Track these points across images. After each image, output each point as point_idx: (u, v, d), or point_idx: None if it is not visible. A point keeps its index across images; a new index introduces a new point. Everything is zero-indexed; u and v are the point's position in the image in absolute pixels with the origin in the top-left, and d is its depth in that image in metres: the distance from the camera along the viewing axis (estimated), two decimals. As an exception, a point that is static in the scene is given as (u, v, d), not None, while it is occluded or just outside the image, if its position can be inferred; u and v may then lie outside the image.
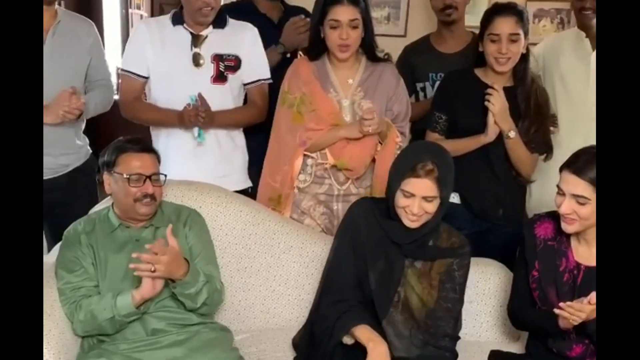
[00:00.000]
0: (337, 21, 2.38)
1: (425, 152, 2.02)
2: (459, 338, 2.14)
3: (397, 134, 2.53)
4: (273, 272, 2.43)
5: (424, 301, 2.06)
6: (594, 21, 2.98)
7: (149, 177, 2.12)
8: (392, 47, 3.18)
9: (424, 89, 3.09)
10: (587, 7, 2.97)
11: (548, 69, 3.13)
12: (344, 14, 2.38)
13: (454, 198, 2.58)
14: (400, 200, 2.00)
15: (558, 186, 1.95)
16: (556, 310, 1.84)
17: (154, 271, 1.95)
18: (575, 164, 1.92)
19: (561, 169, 1.97)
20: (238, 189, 2.69)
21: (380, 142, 2.53)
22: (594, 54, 3.04)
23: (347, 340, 2.02)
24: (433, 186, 1.97)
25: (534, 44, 3.26)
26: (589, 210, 1.89)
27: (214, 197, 2.45)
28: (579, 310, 1.81)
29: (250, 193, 2.73)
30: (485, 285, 2.39)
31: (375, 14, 3.56)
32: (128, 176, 2.10)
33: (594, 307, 1.81)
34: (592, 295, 1.80)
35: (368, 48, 2.52)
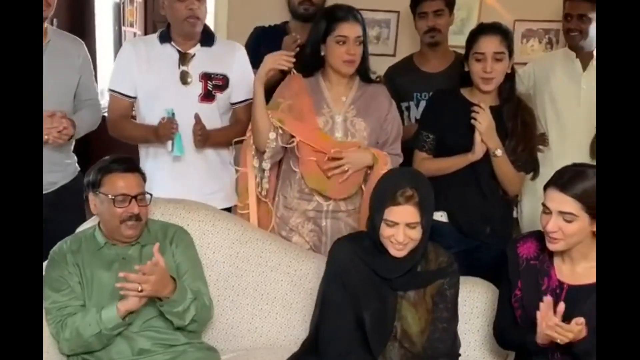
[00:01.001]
0: (345, 37, 2.42)
1: (403, 179, 2.01)
2: (459, 355, 2.13)
3: (385, 161, 2.54)
4: (260, 290, 2.43)
5: (422, 328, 2.04)
6: (582, 42, 3.03)
7: (135, 197, 2.12)
8: (381, 66, 3.23)
9: (408, 109, 3.12)
10: (573, 29, 3.01)
11: (539, 89, 3.17)
12: (351, 30, 2.43)
13: (442, 217, 2.60)
14: (385, 231, 1.99)
15: (544, 204, 1.96)
16: (546, 332, 1.83)
17: (141, 291, 1.95)
18: (560, 180, 1.93)
19: (545, 187, 1.98)
20: (226, 206, 2.70)
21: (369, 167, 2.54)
22: (584, 74, 3.08)
23: None
24: (415, 211, 1.97)
25: (522, 64, 3.30)
26: (576, 227, 1.90)
27: (202, 215, 2.46)
28: (568, 330, 1.81)
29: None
30: (473, 304, 2.39)
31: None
32: (113, 197, 2.10)
33: (581, 328, 1.81)
34: (579, 319, 1.81)
35: (363, 68, 2.55)
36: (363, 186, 2.57)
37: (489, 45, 2.47)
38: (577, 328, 1.81)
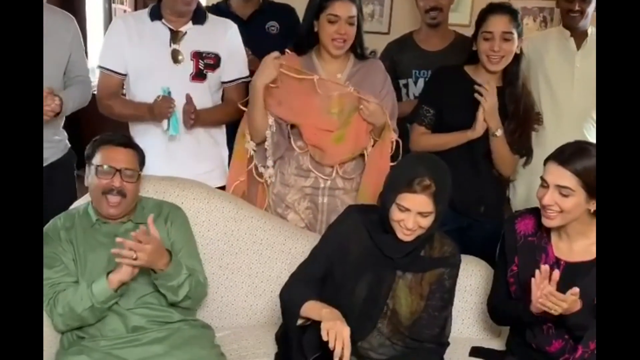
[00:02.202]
0: (336, 16, 2.39)
1: (423, 167, 1.95)
2: (447, 344, 2.11)
3: (393, 133, 2.53)
4: (255, 268, 2.43)
5: (412, 312, 2.04)
6: (581, 23, 3.01)
7: (119, 170, 2.09)
8: (375, 44, 3.16)
9: (406, 86, 3.10)
10: (576, 10, 2.99)
11: (533, 68, 3.15)
12: (343, 9, 2.40)
13: (437, 194, 2.60)
14: (396, 214, 1.96)
15: (542, 178, 1.96)
16: (540, 301, 1.84)
17: (136, 259, 1.94)
18: (560, 155, 1.93)
19: (545, 162, 1.98)
20: (220, 184, 2.68)
21: (375, 139, 2.53)
22: (578, 53, 3.07)
23: (299, 321, 1.96)
24: (429, 202, 1.93)
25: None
26: (572, 203, 1.90)
27: (196, 193, 2.44)
28: (562, 300, 1.82)
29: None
30: (467, 282, 2.40)
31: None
32: (96, 166, 2.07)
33: (575, 299, 1.82)
34: (575, 289, 1.82)
35: (357, 46, 2.52)
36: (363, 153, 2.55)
37: (498, 24, 2.47)
38: (572, 298, 1.82)
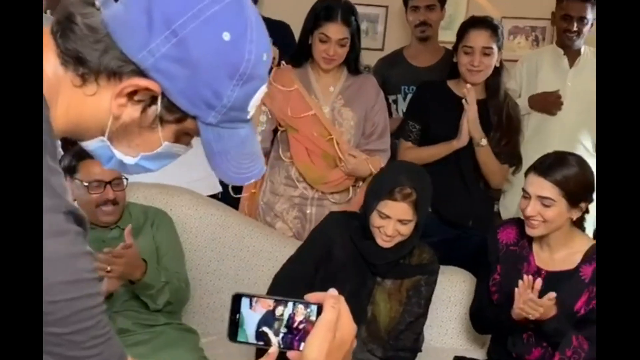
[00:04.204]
0: (327, 37, 2.43)
1: (404, 175, 1.99)
2: (419, 351, 2.14)
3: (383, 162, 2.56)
4: (242, 275, 2.45)
5: (391, 318, 2.06)
6: (577, 43, 3.07)
7: (109, 182, 2.11)
8: (370, 60, 3.25)
9: (395, 102, 3.14)
10: (573, 31, 3.05)
11: (526, 86, 3.21)
12: (334, 32, 2.43)
13: (424, 206, 2.62)
14: (376, 220, 1.99)
15: (524, 189, 1.99)
16: (520, 306, 1.86)
17: (109, 271, 1.95)
18: (540, 166, 1.96)
19: (526, 173, 2.01)
20: (210, 193, 2.71)
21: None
22: (571, 71, 3.13)
23: None
24: (409, 210, 1.96)
25: (510, 61, 3.33)
26: (554, 212, 1.93)
27: (185, 200, 2.48)
28: (539, 304, 1.84)
29: (220, 198, 2.74)
30: (452, 293, 2.41)
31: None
32: (87, 183, 2.09)
33: (551, 304, 1.84)
34: (551, 294, 1.84)
35: (352, 63, 2.56)
36: (352, 188, 2.58)
37: (478, 39, 2.50)
38: (548, 304, 1.85)
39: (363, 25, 3.75)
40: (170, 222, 2.30)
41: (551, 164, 1.94)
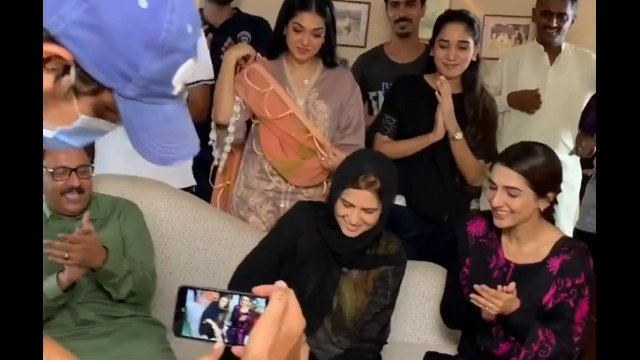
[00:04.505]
0: (301, 26, 2.41)
1: (369, 163, 1.98)
2: (385, 342, 2.12)
3: None
4: (213, 269, 2.42)
5: (357, 309, 2.04)
6: (557, 39, 3.09)
7: (75, 169, 2.08)
8: (352, 57, 3.25)
9: (376, 98, 3.12)
10: (553, 27, 3.06)
11: (507, 83, 3.20)
12: (308, 21, 2.41)
13: (400, 200, 2.59)
14: (340, 209, 1.98)
15: (490, 180, 1.98)
16: (472, 295, 1.85)
17: (67, 258, 1.92)
18: (506, 156, 1.95)
19: (493, 163, 1.99)
20: (182, 187, 2.67)
21: None
22: (551, 68, 3.13)
23: None
24: (374, 198, 1.94)
25: (492, 59, 3.33)
26: (521, 202, 1.91)
27: (155, 192, 2.45)
28: (494, 296, 1.82)
29: (194, 192, 2.71)
30: (425, 288, 2.39)
31: (336, 23, 3.60)
32: (52, 170, 2.06)
33: (511, 297, 1.82)
34: (511, 285, 1.82)
35: (327, 55, 2.54)
36: (325, 183, 2.56)
37: (454, 33, 2.48)
38: (506, 296, 1.82)
39: (345, 22, 3.77)
40: (138, 213, 2.27)
41: (517, 154, 1.92)
